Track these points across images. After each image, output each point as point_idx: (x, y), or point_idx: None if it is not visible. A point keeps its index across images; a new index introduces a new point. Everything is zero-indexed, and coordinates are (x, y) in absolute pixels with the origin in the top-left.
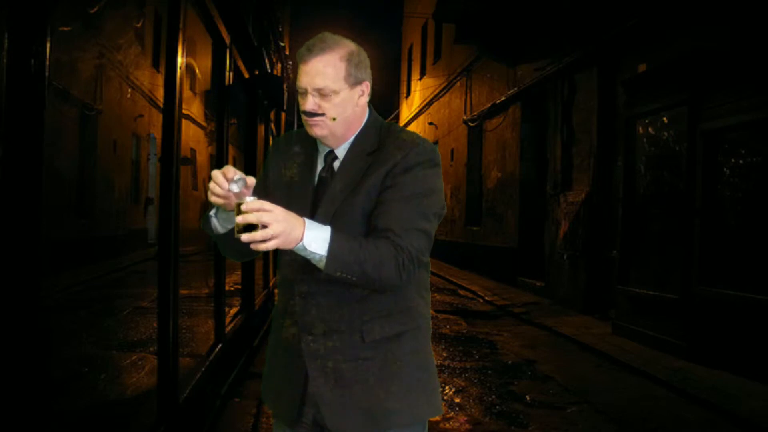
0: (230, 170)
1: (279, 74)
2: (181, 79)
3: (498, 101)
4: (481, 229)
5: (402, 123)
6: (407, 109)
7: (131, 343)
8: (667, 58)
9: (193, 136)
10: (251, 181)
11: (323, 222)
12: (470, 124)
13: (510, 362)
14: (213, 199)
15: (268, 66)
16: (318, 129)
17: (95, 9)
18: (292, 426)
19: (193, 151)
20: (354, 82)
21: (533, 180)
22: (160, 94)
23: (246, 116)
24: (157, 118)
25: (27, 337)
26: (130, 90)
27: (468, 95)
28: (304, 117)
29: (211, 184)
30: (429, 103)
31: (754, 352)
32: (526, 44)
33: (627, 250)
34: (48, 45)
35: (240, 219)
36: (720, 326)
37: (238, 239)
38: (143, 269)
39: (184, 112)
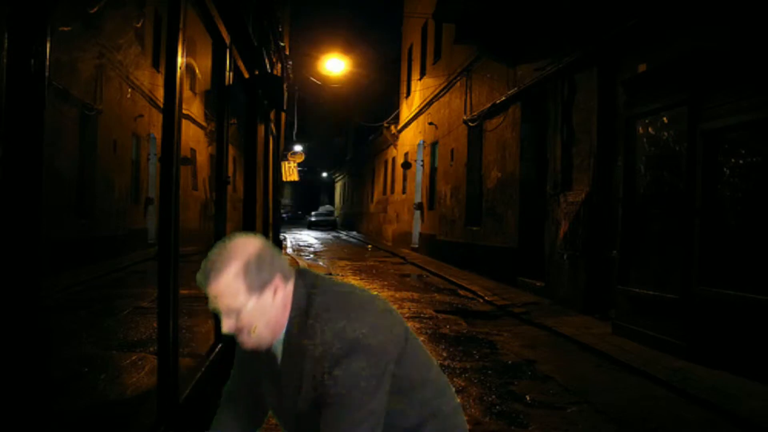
0: None
1: (279, 74)
2: (181, 79)
3: (498, 101)
4: (481, 229)
5: (402, 123)
6: (407, 109)
7: (131, 343)
8: (667, 58)
9: (193, 136)
10: None
11: (289, 417)
12: (470, 124)
13: (510, 362)
14: None
15: (268, 66)
16: (246, 344)
17: (95, 9)
18: None
19: (193, 151)
20: (259, 287)
21: (533, 180)
22: (160, 94)
23: (246, 116)
24: (157, 118)
25: (27, 337)
26: (130, 90)
27: (468, 95)
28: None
29: None
30: (429, 103)
31: (754, 352)
32: (526, 44)
33: (627, 250)
34: (48, 45)
35: None
36: (720, 326)
37: None
38: (143, 269)
39: (184, 112)
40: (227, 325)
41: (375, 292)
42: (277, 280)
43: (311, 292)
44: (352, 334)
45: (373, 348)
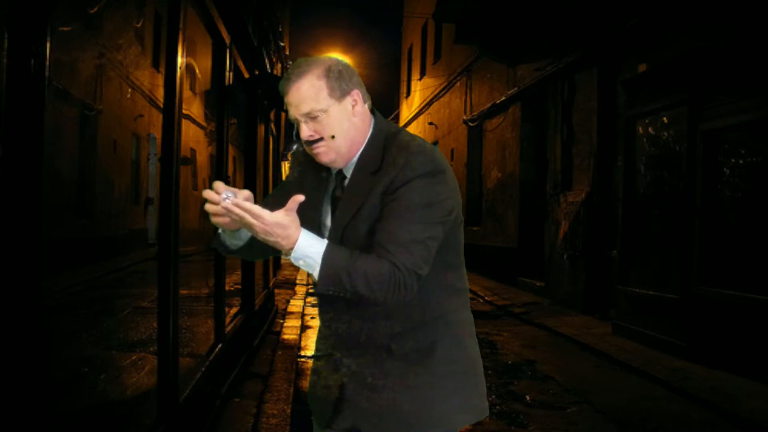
0: (219, 185)
1: (279, 74)
2: (181, 79)
3: (498, 101)
4: (481, 229)
5: (402, 123)
6: (407, 109)
7: (131, 343)
8: (667, 58)
9: (193, 136)
10: (246, 194)
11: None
12: (470, 124)
13: (510, 362)
14: (214, 219)
15: (268, 66)
16: (324, 156)
17: (95, 9)
18: None
19: (193, 151)
20: (341, 94)
21: (533, 180)
22: (160, 94)
23: (246, 116)
24: (157, 118)
25: (27, 337)
26: (130, 90)
27: (468, 95)
28: (307, 148)
29: (207, 205)
30: (429, 103)
31: (754, 352)
32: (526, 44)
33: (627, 250)
34: (48, 45)
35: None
36: (720, 326)
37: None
38: (143, 269)
39: (184, 112)
40: (306, 131)
41: None
42: (357, 94)
43: (393, 124)
44: (431, 164)
45: (448, 183)
